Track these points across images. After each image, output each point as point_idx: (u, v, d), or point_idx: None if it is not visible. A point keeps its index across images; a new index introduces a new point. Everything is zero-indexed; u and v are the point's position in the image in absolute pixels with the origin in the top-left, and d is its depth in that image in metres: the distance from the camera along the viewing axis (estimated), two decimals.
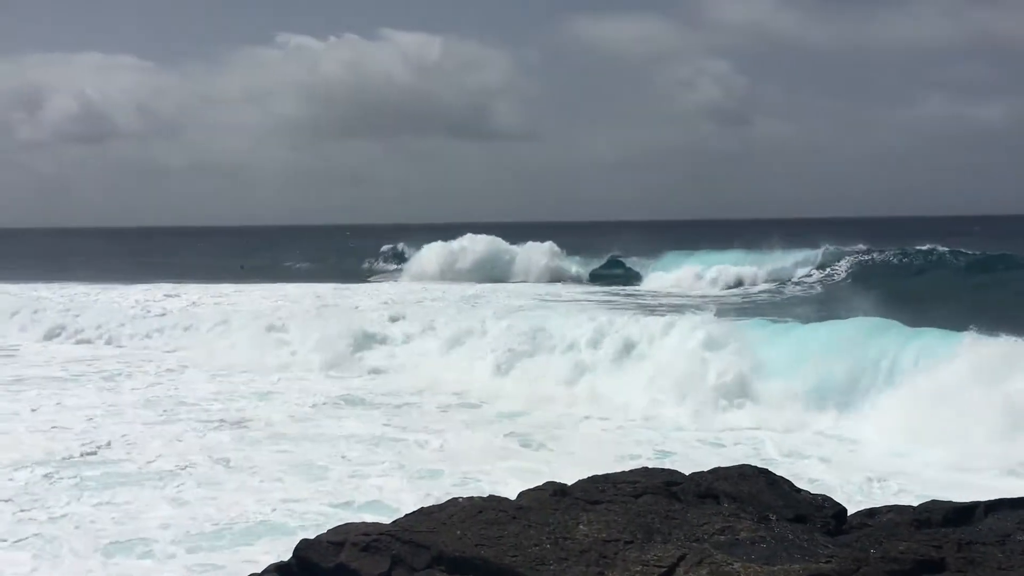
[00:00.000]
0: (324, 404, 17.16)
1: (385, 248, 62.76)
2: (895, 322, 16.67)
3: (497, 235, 54.07)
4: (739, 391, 15.12)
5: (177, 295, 36.20)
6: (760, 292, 38.07)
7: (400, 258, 58.44)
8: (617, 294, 38.37)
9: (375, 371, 20.32)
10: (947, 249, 39.09)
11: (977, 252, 38.55)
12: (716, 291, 38.67)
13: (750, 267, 41.30)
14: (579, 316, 21.11)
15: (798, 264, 40.82)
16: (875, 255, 40.16)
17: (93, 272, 52.36)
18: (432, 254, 52.69)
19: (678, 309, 30.59)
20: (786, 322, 20.45)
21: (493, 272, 49.18)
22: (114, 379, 20.02)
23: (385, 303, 31.73)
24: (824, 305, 28.97)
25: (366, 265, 59.37)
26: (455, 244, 52.56)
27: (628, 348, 17.95)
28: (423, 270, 51.41)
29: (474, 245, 52.55)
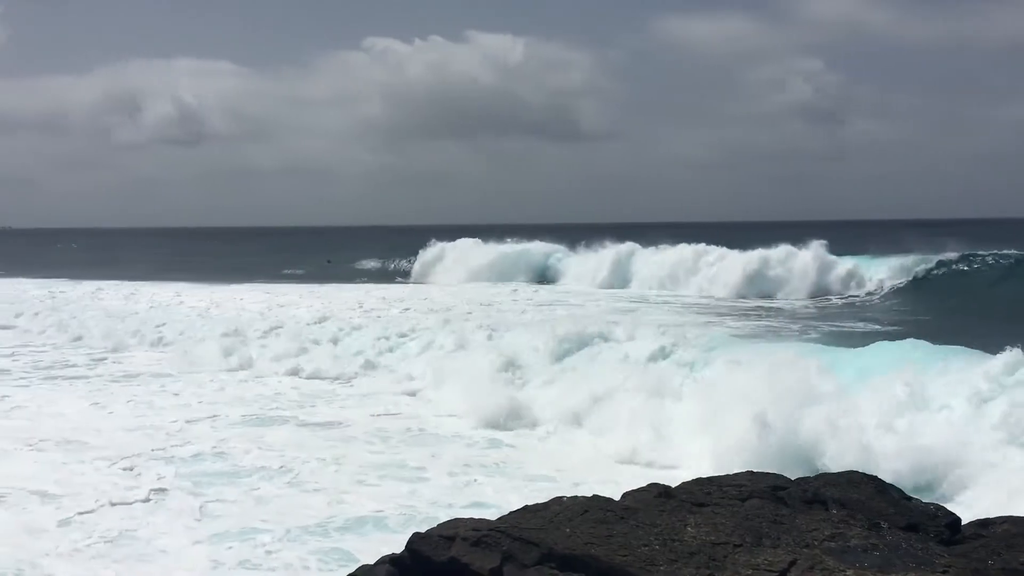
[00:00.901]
0: (424, 406, 17.37)
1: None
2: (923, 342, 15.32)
3: (581, 236, 53.01)
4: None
5: (274, 295, 37.06)
6: (845, 299, 36.07)
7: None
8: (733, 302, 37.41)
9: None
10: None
11: None
12: (787, 300, 36.45)
13: (832, 273, 38.21)
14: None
15: (886, 270, 38.49)
16: (961, 262, 37.90)
17: (189, 272, 53.89)
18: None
19: (773, 314, 30.07)
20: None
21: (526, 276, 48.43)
22: (214, 378, 20.55)
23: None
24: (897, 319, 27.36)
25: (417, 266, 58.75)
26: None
27: None
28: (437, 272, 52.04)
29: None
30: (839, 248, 41.64)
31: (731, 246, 42.74)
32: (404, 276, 54.82)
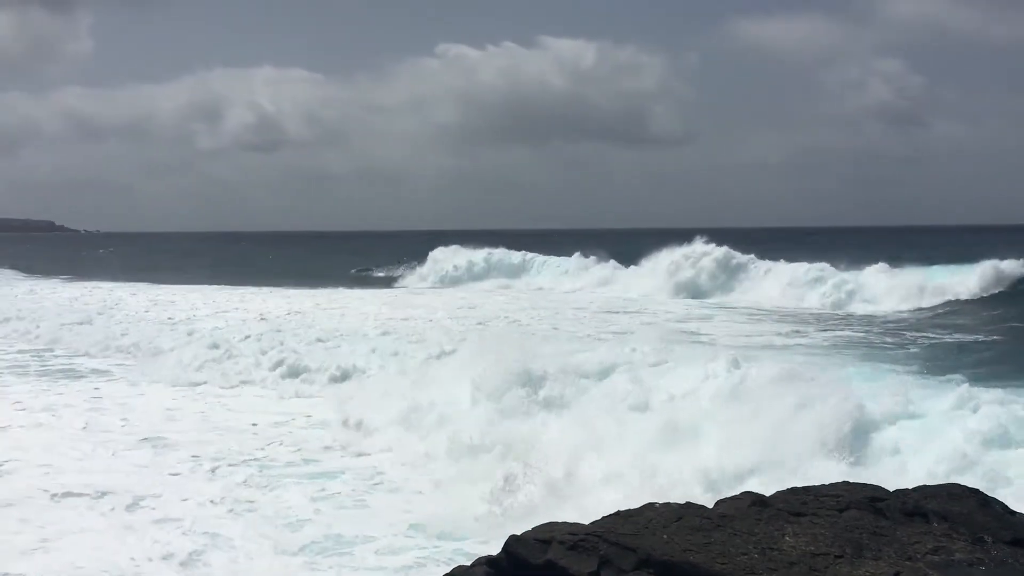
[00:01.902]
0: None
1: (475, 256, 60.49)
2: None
3: (650, 241, 52.44)
4: None
5: (346, 298, 37.62)
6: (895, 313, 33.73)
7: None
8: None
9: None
10: None
11: None
12: (877, 308, 34.72)
13: (894, 283, 36.09)
14: None
15: (975, 278, 36.63)
16: None
17: (271, 276, 54.78)
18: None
19: (864, 323, 29.21)
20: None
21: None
22: (300, 383, 20.65)
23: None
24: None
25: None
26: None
27: None
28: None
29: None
30: (919, 255, 40.40)
31: (805, 251, 41.84)
32: (454, 282, 55.24)
